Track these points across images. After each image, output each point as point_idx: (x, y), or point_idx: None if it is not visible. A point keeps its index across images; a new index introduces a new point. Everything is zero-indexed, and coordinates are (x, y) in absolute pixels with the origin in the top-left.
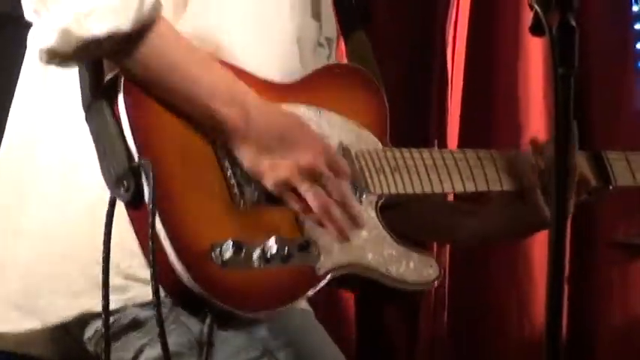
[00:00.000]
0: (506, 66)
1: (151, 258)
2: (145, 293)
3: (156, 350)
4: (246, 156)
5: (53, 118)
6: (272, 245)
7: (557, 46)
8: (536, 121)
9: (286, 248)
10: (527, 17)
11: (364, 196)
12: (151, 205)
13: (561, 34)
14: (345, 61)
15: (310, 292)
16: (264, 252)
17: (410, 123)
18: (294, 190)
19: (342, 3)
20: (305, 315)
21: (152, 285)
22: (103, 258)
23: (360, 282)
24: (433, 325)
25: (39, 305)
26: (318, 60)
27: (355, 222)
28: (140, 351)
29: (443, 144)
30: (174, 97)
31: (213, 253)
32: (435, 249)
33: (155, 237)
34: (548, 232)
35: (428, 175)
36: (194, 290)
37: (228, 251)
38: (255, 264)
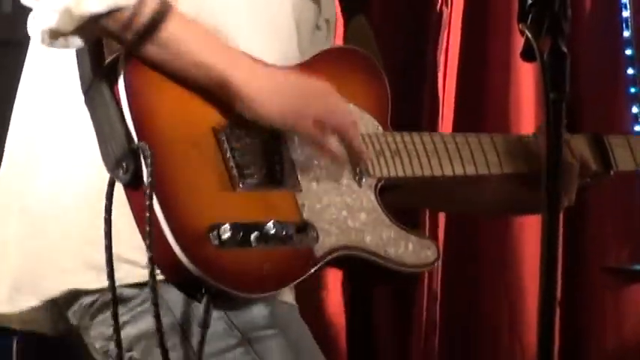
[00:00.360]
0: (498, 91)
1: (148, 240)
2: (132, 274)
3: (136, 328)
4: (266, 107)
5: (55, 102)
6: (270, 227)
7: (549, 72)
8: None
9: (284, 230)
10: (519, 42)
11: (364, 179)
12: (148, 189)
13: (552, 59)
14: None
15: (308, 274)
16: (262, 234)
17: None
18: (323, 129)
19: None
20: (291, 310)
21: (149, 267)
22: (106, 234)
23: (358, 264)
24: (424, 347)
25: (33, 283)
26: (315, 43)
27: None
28: (121, 328)
29: None
30: (182, 64)
31: (210, 234)
32: (425, 274)
33: (153, 219)
34: (540, 256)
35: (428, 158)
36: (191, 271)
37: (226, 233)
38: (253, 246)
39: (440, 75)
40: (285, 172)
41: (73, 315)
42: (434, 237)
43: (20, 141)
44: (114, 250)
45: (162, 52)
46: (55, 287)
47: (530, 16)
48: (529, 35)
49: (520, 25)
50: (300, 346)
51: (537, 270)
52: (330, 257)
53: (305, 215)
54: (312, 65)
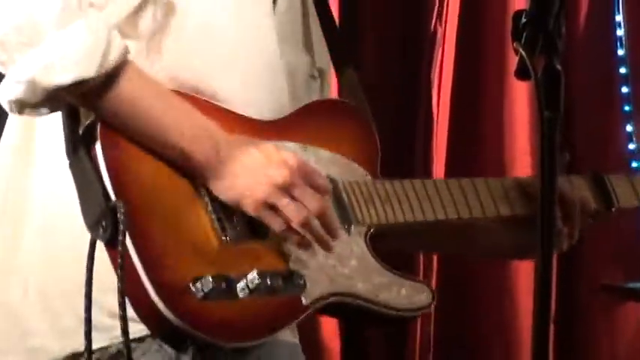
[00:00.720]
0: (492, 108)
1: (120, 296)
2: (131, 330)
3: None
4: (221, 187)
5: (42, 158)
6: (254, 278)
7: (543, 90)
8: (522, 165)
9: (269, 280)
10: (513, 60)
11: (352, 227)
12: (120, 246)
13: (547, 78)
14: (336, 93)
15: (294, 322)
16: (246, 285)
17: (394, 169)
18: (274, 209)
19: (332, 37)
20: (293, 349)
21: (121, 324)
22: (85, 295)
23: (350, 310)
24: None
25: (29, 345)
26: (309, 93)
27: (333, 234)
28: None
29: None
30: (146, 140)
31: (193, 288)
32: None
33: (127, 277)
34: (535, 274)
35: (420, 203)
36: (175, 324)
37: (208, 285)
38: (238, 297)
39: (434, 92)
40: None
41: None
42: (428, 259)
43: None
44: (108, 307)
45: (127, 127)
46: (55, 352)
47: (524, 34)
48: (523, 54)
49: (514, 44)
50: None
51: (532, 288)
52: (318, 305)
53: (291, 264)
54: (299, 117)
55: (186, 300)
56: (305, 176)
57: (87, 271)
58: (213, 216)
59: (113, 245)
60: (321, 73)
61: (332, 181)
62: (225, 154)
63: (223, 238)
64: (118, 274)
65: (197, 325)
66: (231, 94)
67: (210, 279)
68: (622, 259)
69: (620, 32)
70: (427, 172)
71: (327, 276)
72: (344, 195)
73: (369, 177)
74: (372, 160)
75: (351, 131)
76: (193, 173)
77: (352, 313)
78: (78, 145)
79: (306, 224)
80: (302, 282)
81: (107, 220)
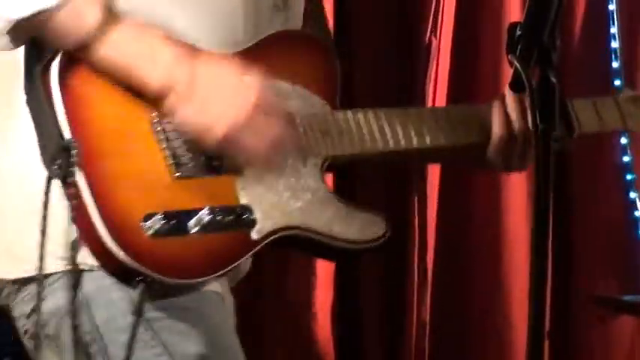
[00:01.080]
0: None
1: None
2: (55, 265)
3: (47, 306)
4: (191, 112)
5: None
6: (204, 214)
7: (538, 103)
8: (516, 176)
9: (220, 216)
10: (508, 73)
11: (308, 160)
12: (73, 181)
13: (541, 90)
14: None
15: (245, 257)
16: (197, 221)
17: (387, 182)
18: (246, 131)
19: None
20: (215, 299)
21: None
22: (41, 232)
23: (305, 243)
24: None
25: None
26: (272, 24)
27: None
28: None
29: (423, 203)
30: (112, 70)
31: (144, 225)
32: (415, 303)
33: (79, 213)
34: (529, 285)
35: (374, 134)
36: (124, 261)
37: (159, 222)
38: (189, 233)
39: (428, 104)
40: (225, 158)
41: (5, 297)
42: (423, 262)
43: None
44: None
45: (100, 63)
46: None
47: (519, 46)
48: (518, 66)
49: (509, 56)
50: (211, 335)
51: (526, 300)
52: (269, 239)
53: (243, 199)
54: (258, 49)
55: (136, 237)
56: (267, 98)
57: (43, 207)
58: (168, 152)
59: (67, 182)
60: (286, 5)
61: (289, 114)
62: (199, 83)
63: (177, 174)
64: (69, 211)
65: (146, 263)
66: (189, 25)
67: (161, 216)
68: (617, 272)
69: (615, 44)
70: (422, 186)
71: (281, 210)
72: (301, 129)
73: (327, 107)
74: (331, 89)
75: (310, 61)
76: (159, 100)
77: (305, 245)
78: (35, 80)
79: (280, 141)
80: (253, 217)
81: (62, 158)
